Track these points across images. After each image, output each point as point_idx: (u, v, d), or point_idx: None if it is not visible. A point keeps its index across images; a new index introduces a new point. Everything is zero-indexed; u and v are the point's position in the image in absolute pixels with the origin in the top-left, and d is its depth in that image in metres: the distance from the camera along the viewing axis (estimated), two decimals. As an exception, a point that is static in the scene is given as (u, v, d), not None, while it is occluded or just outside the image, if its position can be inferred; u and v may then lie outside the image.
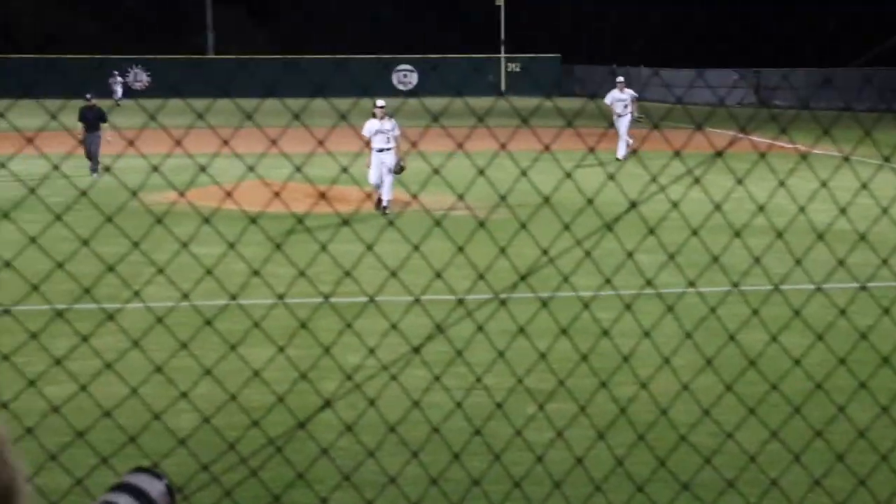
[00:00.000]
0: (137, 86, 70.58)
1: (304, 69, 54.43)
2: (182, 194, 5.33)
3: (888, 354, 8.21)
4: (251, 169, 4.90)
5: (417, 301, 10.67)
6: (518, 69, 73.34)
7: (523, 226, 5.81)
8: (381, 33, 75.81)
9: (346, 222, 5.53)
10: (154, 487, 2.24)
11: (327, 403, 7.68)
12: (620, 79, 34.68)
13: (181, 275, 12.61)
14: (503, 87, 70.56)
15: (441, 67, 66.32)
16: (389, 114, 23.61)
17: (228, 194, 5.38)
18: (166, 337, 12.41)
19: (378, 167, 23.42)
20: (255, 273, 5.98)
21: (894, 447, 8.39)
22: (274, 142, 5.20)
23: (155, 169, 5.10)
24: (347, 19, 76.79)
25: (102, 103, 30.75)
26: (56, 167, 5.26)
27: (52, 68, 55.02)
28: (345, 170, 5.14)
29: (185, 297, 7.35)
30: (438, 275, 5.83)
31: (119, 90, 63.49)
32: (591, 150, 5.64)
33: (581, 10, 72.42)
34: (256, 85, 22.29)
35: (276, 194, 5.79)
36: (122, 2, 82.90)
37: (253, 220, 6.15)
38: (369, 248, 5.98)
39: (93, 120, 29.00)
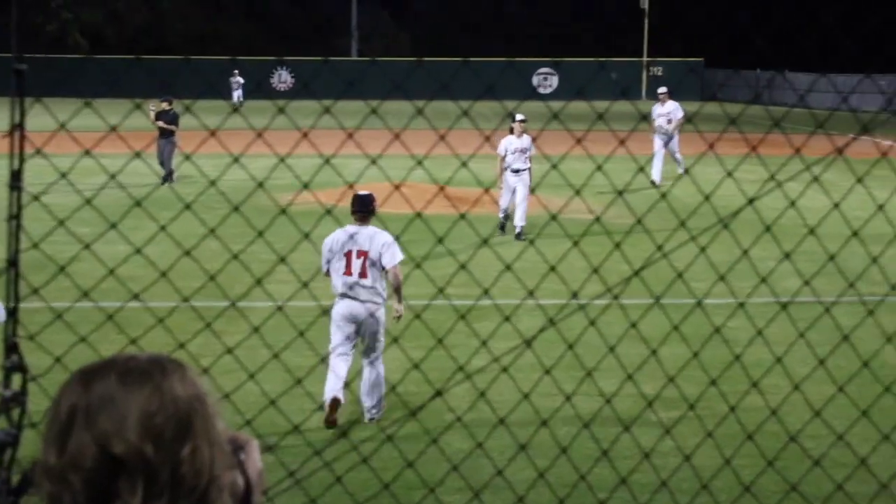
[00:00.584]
0: (281, 87, 71.76)
1: (432, 70, 54.76)
2: (307, 188, 5.29)
3: None
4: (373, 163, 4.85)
5: (551, 321, 10.53)
6: (659, 74, 72.56)
7: (639, 220, 5.64)
8: (517, 36, 75.79)
9: (485, 241, 5.43)
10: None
11: (458, 419, 7.59)
12: (663, 90, 29.90)
13: (306, 273, 12.69)
14: (643, 91, 69.92)
15: (578, 70, 65.97)
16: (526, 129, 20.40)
17: (349, 184, 5.34)
18: (292, 333, 12.52)
19: (510, 190, 20.40)
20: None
21: None
22: (420, 160, 5.13)
23: (287, 167, 5.09)
24: (487, 24, 77.00)
25: (218, 106, 29.87)
26: (189, 159, 5.30)
27: (195, 70, 56.18)
28: (485, 188, 5.04)
29: (315, 297, 7.36)
30: (575, 294, 5.71)
31: (238, 92, 59.02)
32: (730, 174, 5.46)
33: (729, 15, 71.28)
34: (397, 87, 21.29)
35: (397, 189, 5.72)
36: (268, 5, 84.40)
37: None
38: (508, 267, 5.88)
39: (166, 125, 26.90)
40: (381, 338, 10.13)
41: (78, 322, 9.33)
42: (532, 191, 18.65)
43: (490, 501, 8.03)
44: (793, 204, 5.61)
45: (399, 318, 10.17)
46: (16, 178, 3.12)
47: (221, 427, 2.08)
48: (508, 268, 5.45)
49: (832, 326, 8.11)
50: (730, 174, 5.85)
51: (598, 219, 6.39)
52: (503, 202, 20.57)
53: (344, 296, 10.12)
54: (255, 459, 2.27)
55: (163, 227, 5.44)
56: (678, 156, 29.00)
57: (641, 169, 7.03)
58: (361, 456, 7.21)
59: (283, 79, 73.19)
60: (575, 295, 5.39)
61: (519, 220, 20.19)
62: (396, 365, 10.87)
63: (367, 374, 10.07)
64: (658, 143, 28.54)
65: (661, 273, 10.75)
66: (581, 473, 6.69)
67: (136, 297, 5.11)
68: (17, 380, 2.99)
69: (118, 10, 79.02)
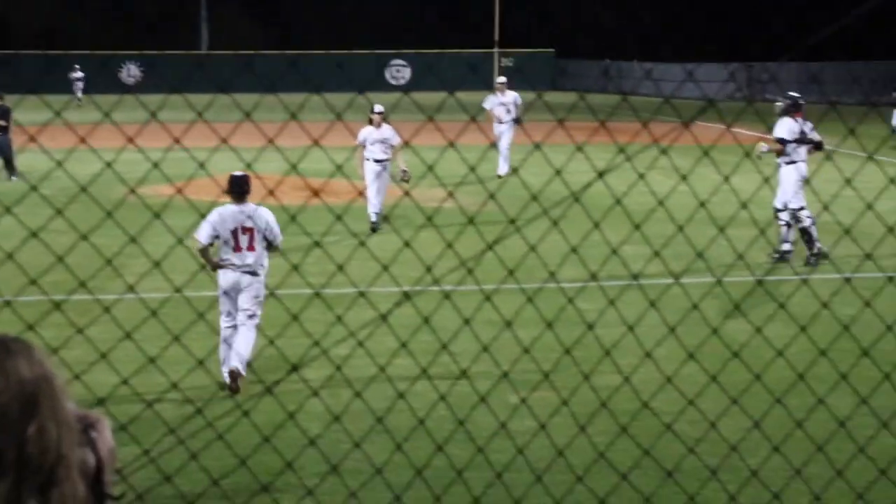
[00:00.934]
0: (130, 81, 70.60)
1: (298, 65, 54.54)
2: (180, 190, 5.41)
3: (869, 345, 8.31)
4: (249, 165, 5.00)
5: (406, 294, 10.78)
6: (511, 64, 73.41)
7: (512, 221, 5.90)
8: (372, 29, 75.84)
9: (339, 217, 5.62)
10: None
11: (315, 393, 7.78)
12: (501, 79, 28.63)
13: (173, 266, 12.71)
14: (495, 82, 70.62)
15: (434, 63, 66.34)
16: (386, 119, 20.34)
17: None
18: (157, 328, 12.52)
19: (375, 181, 20.33)
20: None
21: (873, 437, 8.49)
22: (272, 140, 5.29)
23: (156, 165, 5.20)
24: (341, 16, 76.88)
25: (59, 100, 28.88)
26: (59, 164, 5.35)
27: (47, 64, 54.95)
28: (339, 167, 5.23)
29: (178, 290, 7.44)
30: (429, 269, 5.93)
31: (80, 86, 55.72)
32: (580, 148, 5.73)
33: (576, 6, 72.53)
34: (250, 81, 20.78)
35: (271, 192, 5.88)
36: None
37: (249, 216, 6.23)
38: (362, 243, 6.06)
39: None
40: (261, 303, 11.10)
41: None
42: (405, 181, 18.96)
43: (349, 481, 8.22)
44: (641, 177, 5.90)
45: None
46: None
47: (69, 406, 2.08)
48: (385, 268, 5.63)
49: (684, 305, 8.49)
50: (580, 149, 6.08)
51: (471, 220, 6.62)
52: (373, 200, 20.31)
53: (232, 267, 10.98)
54: (106, 438, 2.27)
55: (35, 234, 5.44)
56: (506, 152, 27.44)
57: (514, 171, 7.27)
58: (217, 432, 7.32)
59: (131, 72, 71.97)
60: (429, 269, 5.59)
61: (376, 208, 20.33)
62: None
63: (244, 333, 10.92)
64: (506, 137, 27.67)
65: (515, 255, 11.05)
66: (438, 444, 6.93)
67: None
68: None
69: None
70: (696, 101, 51.99)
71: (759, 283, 7.70)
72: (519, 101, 28.26)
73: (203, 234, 10.93)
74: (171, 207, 12.90)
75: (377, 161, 20.29)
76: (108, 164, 5.29)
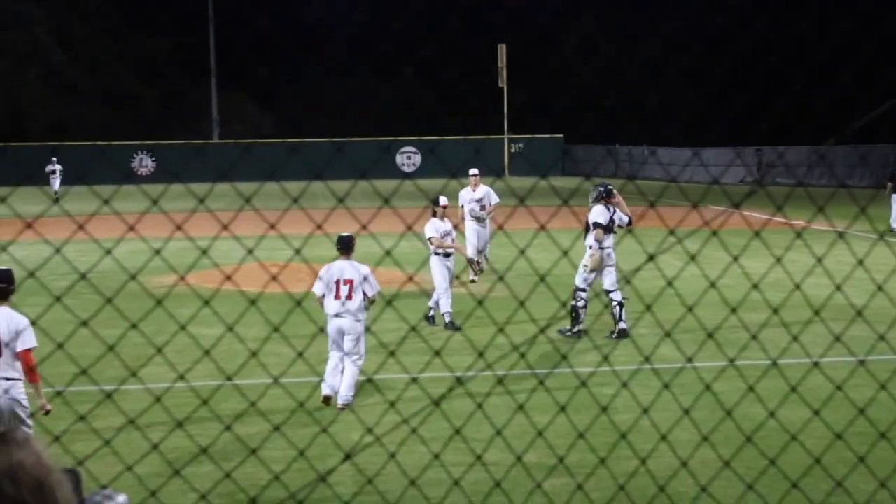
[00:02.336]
0: (143, 171, 71.14)
1: (302, 152, 54.92)
2: (183, 278, 5.42)
3: (887, 429, 8.23)
4: (251, 252, 4.99)
5: (415, 380, 10.72)
6: (520, 150, 73.84)
7: (521, 304, 5.88)
8: (382, 116, 76.50)
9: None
10: (117, 500, 2.41)
11: (323, 479, 7.71)
12: (474, 172, 23.99)
13: (182, 356, 12.68)
14: (506, 168, 70.99)
15: (442, 149, 66.77)
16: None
17: (228, 277, 5.46)
18: (165, 416, 12.46)
19: (445, 275, 18.64)
20: (254, 354, 6.05)
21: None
22: (273, 226, 5.29)
23: (157, 252, 5.19)
24: (350, 103, 77.58)
25: (36, 197, 28.46)
26: (58, 250, 5.35)
27: (58, 156, 55.32)
28: (388, 253, 5.20)
29: (181, 377, 7.41)
30: (437, 353, 5.89)
31: (57, 181, 51.04)
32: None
33: (583, 92, 73.09)
34: (258, 169, 20.56)
35: (274, 278, 5.86)
36: (126, 91, 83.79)
37: (253, 301, 6.22)
38: (368, 329, 6.05)
39: None
40: (363, 344, 12.90)
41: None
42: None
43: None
44: (670, 284, 5.89)
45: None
46: None
47: (65, 498, 2.08)
48: (392, 354, 5.61)
49: (699, 386, 8.40)
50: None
51: (481, 302, 6.59)
52: (442, 292, 18.51)
53: (336, 315, 12.82)
54: None
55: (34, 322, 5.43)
56: (487, 253, 23.71)
57: (522, 253, 7.27)
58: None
59: (144, 163, 72.56)
60: (437, 353, 5.55)
61: (445, 307, 18.28)
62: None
63: (349, 369, 12.83)
64: (471, 231, 23.14)
65: (543, 348, 10.99)
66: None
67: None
68: None
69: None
70: (702, 184, 52.20)
71: (774, 364, 7.62)
72: (494, 198, 23.74)
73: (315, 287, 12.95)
74: (176, 296, 12.95)
75: (446, 256, 18.89)
76: (157, 252, 5.27)
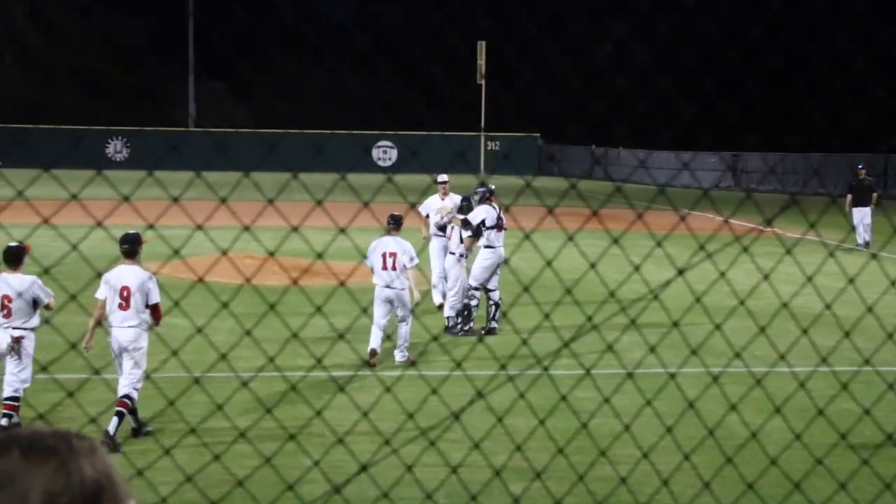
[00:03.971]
0: (117, 157, 70.61)
1: (279, 145, 54.63)
2: (187, 260, 5.19)
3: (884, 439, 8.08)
4: (224, 252, 4.80)
5: (414, 364, 10.51)
6: (497, 148, 73.72)
7: (526, 288, 5.69)
8: (359, 112, 76.28)
9: (342, 283, 5.40)
10: None
11: (363, 468, 7.51)
12: (443, 178, 19.72)
13: (158, 347, 12.44)
14: (482, 166, 70.88)
15: (420, 146, 66.60)
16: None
17: (200, 280, 5.27)
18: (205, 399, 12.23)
19: (441, 257, 18.73)
20: (246, 333, 5.85)
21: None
22: (247, 228, 5.09)
23: (155, 236, 4.98)
24: (327, 98, 77.27)
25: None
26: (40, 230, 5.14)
27: (30, 140, 54.84)
28: (319, 255, 5.03)
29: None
30: (481, 339, 5.72)
31: None
32: (570, 238, 5.55)
33: (564, 92, 73.13)
34: (236, 160, 20.07)
35: (248, 280, 5.65)
36: (100, 75, 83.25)
37: (224, 304, 6.06)
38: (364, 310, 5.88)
39: None
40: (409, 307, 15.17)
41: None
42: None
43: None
44: (637, 269, 5.72)
45: (417, 304, 15.24)
46: None
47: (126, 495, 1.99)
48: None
49: (678, 396, 8.27)
50: (570, 239, 5.92)
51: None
52: (438, 270, 18.67)
53: (385, 286, 14.96)
54: None
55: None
56: (454, 283, 17.83)
57: (505, 263, 7.08)
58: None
59: (118, 149, 72.03)
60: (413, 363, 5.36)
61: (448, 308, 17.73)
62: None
63: (402, 330, 15.12)
64: (436, 248, 19.37)
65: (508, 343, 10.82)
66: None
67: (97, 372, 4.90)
68: None
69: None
70: (685, 189, 52.20)
71: (758, 381, 7.45)
72: (465, 205, 18.69)
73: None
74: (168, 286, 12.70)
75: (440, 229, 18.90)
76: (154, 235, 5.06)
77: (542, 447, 9.49)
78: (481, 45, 72.82)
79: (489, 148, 73.89)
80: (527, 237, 5.38)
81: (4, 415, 11.12)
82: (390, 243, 15.00)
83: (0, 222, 10.00)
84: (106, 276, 11.13)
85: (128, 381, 11.12)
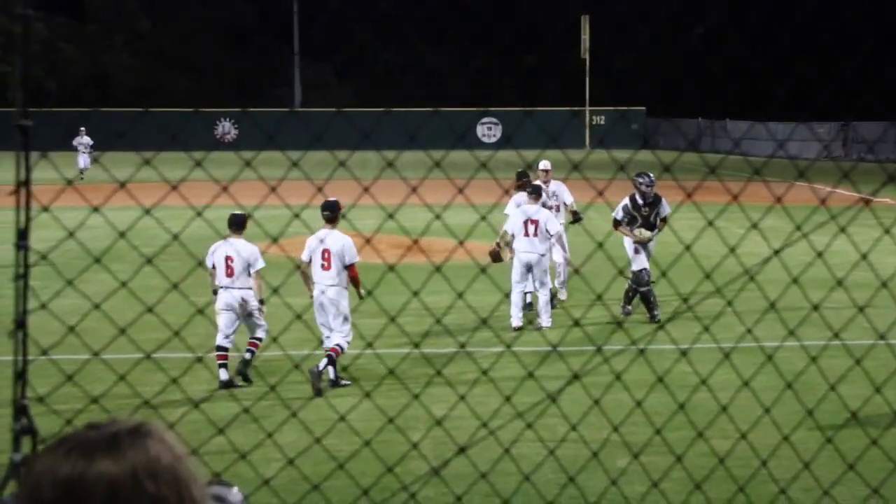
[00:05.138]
0: (227, 138, 71.60)
1: (388, 122, 54.90)
2: (276, 241, 5.33)
3: None
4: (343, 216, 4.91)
5: (509, 348, 10.60)
6: (602, 122, 73.24)
7: (621, 272, 5.74)
8: (462, 86, 76.31)
9: (438, 269, 5.51)
10: (231, 494, 2.38)
11: (415, 445, 7.65)
12: (544, 164, 17.66)
13: (271, 323, 12.69)
14: (587, 140, 70.51)
15: (525, 120, 66.46)
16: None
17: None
18: (256, 382, 12.50)
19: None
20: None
21: None
22: (366, 189, 5.20)
23: (249, 216, 5.13)
24: (430, 77, 77.47)
25: (129, 160, 29.11)
26: (147, 211, 5.30)
27: (143, 121, 55.75)
28: (437, 216, 5.13)
29: (275, 340, 7.38)
30: (530, 322, 5.79)
31: (84, 158, 43.95)
32: (689, 196, 5.58)
33: (666, 65, 72.33)
34: (341, 137, 20.03)
35: (368, 241, 5.79)
36: (212, 58, 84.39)
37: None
38: (460, 295, 5.95)
39: None
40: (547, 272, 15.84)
41: (86, 380, 9.21)
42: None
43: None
44: (733, 250, 5.72)
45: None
46: (23, 237, 3.12)
47: (201, 487, 2.03)
48: (484, 322, 5.50)
49: (788, 371, 8.21)
50: (755, 226, 5.96)
51: (576, 270, 6.45)
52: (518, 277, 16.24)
53: (525, 252, 15.76)
54: None
55: (124, 283, 5.33)
56: (545, 278, 16.09)
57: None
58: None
59: (226, 129, 73.03)
60: (555, 348, 5.44)
61: (547, 314, 16.05)
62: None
63: (541, 296, 15.64)
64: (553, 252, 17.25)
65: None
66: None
67: (148, 356, 5.09)
68: (27, 443, 2.99)
69: (58, 63, 78.42)
70: (793, 160, 51.24)
71: (857, 360, 7.32)
72: (568, 197, 18.06)
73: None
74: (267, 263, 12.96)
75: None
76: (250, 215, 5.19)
77: (656, 421, 9.50)
78: (585, 20, 72.30)
79: (594, 122, 73.44)
80: (710, 224, 5.41)
81: (248, 350, 12.81)
82: (533, 211, 15.68)
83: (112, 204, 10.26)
84: (308, 239, 12.79)
85: (339, 334, 12.69)
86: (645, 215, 16.63)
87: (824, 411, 9.62)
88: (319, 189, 5.55)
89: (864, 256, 6.49)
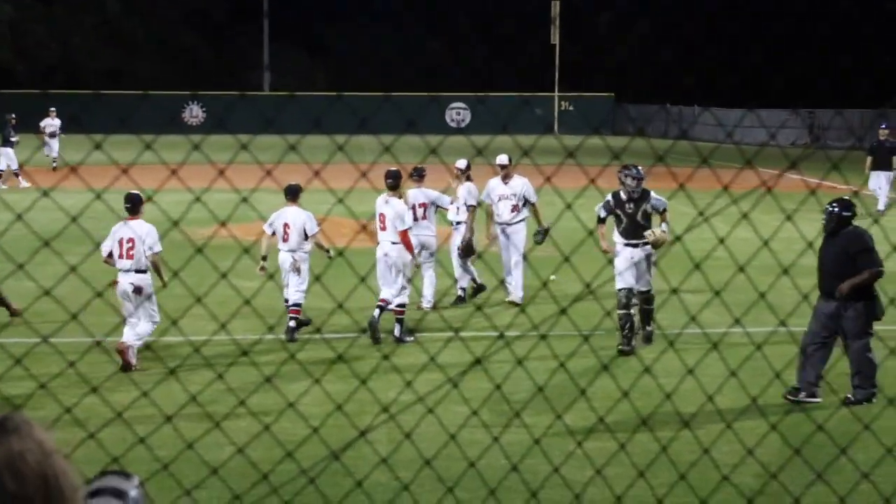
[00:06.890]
0: (193, 121, 71.19)
1: (350, 104, 54.71)
2: (224, 224, 5.24)
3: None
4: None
5: (457, 334, 10.55)
6: (571, 108, 73.24)
7: (566, 259, 5.72)
8: (433, 71, 76.17)
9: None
10: (130, 484, 2.29)
11: (363, 434, 7.61)
12: (502, 159, 16.90)
13: (222, 308, 12.60)
14: (555, 125, 70.48)
15: (492, 105, 66.37)
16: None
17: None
18: (206, 370, 12.43)
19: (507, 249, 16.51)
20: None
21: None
22: (317, 173, 5.15)
23: (198, 199, 5.05)
24: (401, 57, 77.23)
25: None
26: (98, 196, 5.22)
27: (109, 105, 55.43)
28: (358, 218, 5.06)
29: (223, 326, 7.30)
30: (479, 308, 5.75)
31: (55, 143, 40.01)
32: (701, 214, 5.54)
33: (634, 50, 72.46)
34: (306, 121, 19.90)
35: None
36: (178, 40, 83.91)
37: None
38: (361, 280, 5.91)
39: None
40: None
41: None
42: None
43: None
44: (721, 242, 5.70)
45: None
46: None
47: (72, 486, 1.96)
48: (435, 308, 5.45)
49: (744, 353, 8.21)
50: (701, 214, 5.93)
51: (525, 257, 6.43)
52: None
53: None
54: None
55: (73, 268, 5.25)
56: (518, 278, 16.01)
57: (568, 207, 7.10)
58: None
59: (194, 113, 72.65)
60: (479, 308, 5.42)
61: (519, 289, 15.84)
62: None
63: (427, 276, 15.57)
64: (513, 243, 16.78)
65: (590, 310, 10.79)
66: (491, 489, 6.71)
67: (98, 340, 5.01)
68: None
69: (27, 47, 77.76)
70: (756, 146, 51.52)
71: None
72: (532, 194, 16.86)
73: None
74: (218, 247, 12.88)
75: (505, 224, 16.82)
76: (197, 198, 5.12)
77: (604, 406, 9.48)
78: (555, 3, 72.27)
79: (562, 108, 73.48)
80: (592, 180, 5.37)
81: (291, 318, 14.06)
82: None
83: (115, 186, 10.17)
84: (272, 216, 14.28)
85: (395, 291, 13.88)
86: (630, 213, 13.81)
87: (769, 398, 9.66)
88: (363, 174, 5.46)
89: (766, 242, 6.47)
